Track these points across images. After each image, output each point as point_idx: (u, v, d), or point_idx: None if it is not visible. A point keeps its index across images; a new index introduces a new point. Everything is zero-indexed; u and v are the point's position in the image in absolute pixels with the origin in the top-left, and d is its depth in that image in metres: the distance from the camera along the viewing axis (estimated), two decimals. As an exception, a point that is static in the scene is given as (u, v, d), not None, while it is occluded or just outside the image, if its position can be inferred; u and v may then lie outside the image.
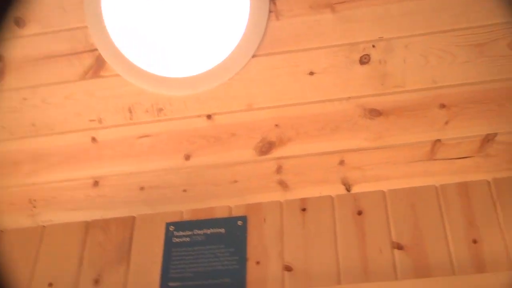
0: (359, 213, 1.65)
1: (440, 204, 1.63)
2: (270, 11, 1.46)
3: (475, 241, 1.55)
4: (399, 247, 1.58)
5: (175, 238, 1.68)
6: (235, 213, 1.71)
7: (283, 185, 1.69)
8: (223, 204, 1.73)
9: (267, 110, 1.58)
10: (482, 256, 1.53)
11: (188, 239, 1.67)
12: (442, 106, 1.54)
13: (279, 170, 1.67)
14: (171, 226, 1.70)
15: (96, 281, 1.66)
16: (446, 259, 1.54)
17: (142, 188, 1.71)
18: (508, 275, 1.46)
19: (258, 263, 1.61)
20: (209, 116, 1.59)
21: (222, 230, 1.67)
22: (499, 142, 1.59)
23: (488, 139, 1.59)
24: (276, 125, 1.60)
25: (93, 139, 1.63)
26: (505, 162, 1.63)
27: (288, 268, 1.59)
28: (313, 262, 1.59)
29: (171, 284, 1.61)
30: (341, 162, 1.65)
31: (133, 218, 1.75)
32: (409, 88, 1.53)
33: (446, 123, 1.57)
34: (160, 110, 1.58)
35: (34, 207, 1.76)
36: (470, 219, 1.59)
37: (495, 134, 1.58)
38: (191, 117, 1.59)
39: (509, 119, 1.54)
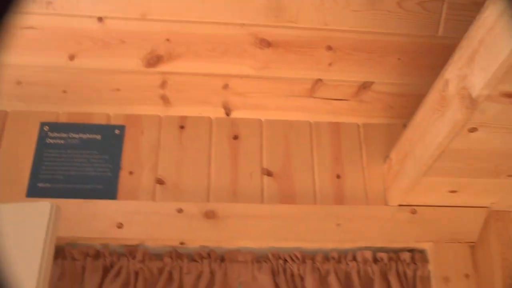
0: (235, 137, 1.80)
1: (312, 139, 1.82)
2: None
3: (338, 176, 1.77)
4: (269, 173, 1.75)
5: (49, 139, 1.72)
6: (114, 121, 1.78)
7: (165, 100, 1.78)
8: (102, 111, 1.79)
9: (161, 22, 1.63)
10: (343, 190, 1.76)
11: (62, 141, 1.72)
12: (329, 48, 1.69)
13: (163, 85, 1.75)
14: (46, 126, 1.73)
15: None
16: (310, 190, 1.75)
17: (19, 83, 1.71)
18: (363, 208, 1.70)
19: (131, 173, 1.71)
20: (100, 19, 1.61)
21: (98, 137, 1.73)
22: (374, 91, 1.79)
23: (365, 86, 1.78)
24: (167, 40, 1.66)
25: (-30, 22, 1.59)
26: (376, 110, 1.84)
27: (160, 181, 1.70)
28: (185, 178, 1.72)
29: (40, 185, 1.66)
30: (225, 86, 1.77)
31: (6, 113, 1.76)
32: (301, 26, 1.65)
33: (330, 64, 1.72)
34: (50, 3, 1.57)
35: None
36: (337, 156, 1.80)
37: (372, 83, 1.77)
38: (81, 16, 1.60)
39: (387, 70, 1.74)
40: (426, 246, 1.71)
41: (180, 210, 1.63)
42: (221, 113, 1.82)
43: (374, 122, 1.87)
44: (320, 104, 1.82)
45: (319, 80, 1.76)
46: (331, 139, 1.83)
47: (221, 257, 1.65)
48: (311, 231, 1.66)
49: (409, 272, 1.68)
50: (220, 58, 1.70)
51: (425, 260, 1.70)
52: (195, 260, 1.63)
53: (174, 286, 1.59)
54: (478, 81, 1.24)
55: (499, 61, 1.16)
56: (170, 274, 1.61)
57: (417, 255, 1.70)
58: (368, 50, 1.70)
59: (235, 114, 1.82)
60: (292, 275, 1.65)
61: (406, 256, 1.69)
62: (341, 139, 1.83)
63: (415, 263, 1.69)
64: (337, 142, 1.83)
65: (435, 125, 1.44)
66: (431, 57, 1.71)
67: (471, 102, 1.28)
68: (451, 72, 1.37)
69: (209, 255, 1.63)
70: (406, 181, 1.63)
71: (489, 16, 1.19)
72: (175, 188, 1.71)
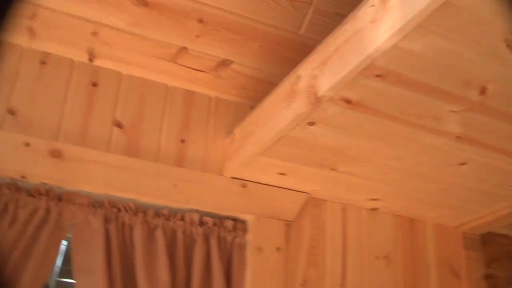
0: (94, 84, 1.88)
1: (166, 102, 1.96)
2: None
3: (183, 141, 1.94)
4: (119, 125, 1.86)
5: None
6: (-27, 42, 1.76)
7: (31, 32, 1.80)
8: (-38, 29, 1.76)
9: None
10: (185, 154, 1.92)
11: None
12: (200, 20, 1.83)
13: (32, 16, 1.77)
14: None
15: None
16: (155, 148, 1.89)
17: None
18: (200, 175, 1.87)
19: (-17, 98, 1.72)
20: None
21: (-45, 54, 1.72)
22: (232, 69, 1.98)
23: (224, 63, 1.95)
24: (45, -26, 1.70)
25: None
26: (230, 87, 2.03)
27: (11, 112, 1.74)
28: (37, 113, 1.77)
29: None
30: (94, 33, 1.84)
31: None
32: (179, -6, 1.77)
33: (198, 36, 1.87)
34: None
35: None
36: (186, 122, 1.96)
37: (232, 62, 1.95)
38: None
39: (247, 53, 1.93)
40: (248, 217, 1.92)
41: (27, 144, 1.67)
42: (84, 58, 1.89)
43: (225, 98, 2.05)
44: (180, 71, 1.96)
45: (184, 48, 1.89)
46: (183, 105, 1.98)
47: (59, 197, 1.71)
48: (148, 187, 1.79)
49: (229, 238, 1.88)
50: (95, 5, 1.76)
51: (245, 230, 1.91)
52: (32, 196, 1.68)
53: (7, 218, 1.63)
54: (326, 83, 1.45)
55: (347, 71, 1.37)
56: (6, 205, 1.64)
57: (239, 225, 1.91)
58: (234, 31, 1.87)
59: (98, 62, 1.90)
60: (123, 224, 1.77)
61: (229, 224, 1.89)
62: (192, 107, 1.99)
63: (235, 231, 1.89)
64: (188, 109, 1.98)
65: (281, 112, 1.64)
66: (289, 51, 1.92)
67: (316, 100, 1.49)
68: (305, 70, 1.57)
69: (47, 192, 1.70)
70: (244, 157, 1.83)
71: (348, 30, 1.40)
72: (26, 121, 1.75)
